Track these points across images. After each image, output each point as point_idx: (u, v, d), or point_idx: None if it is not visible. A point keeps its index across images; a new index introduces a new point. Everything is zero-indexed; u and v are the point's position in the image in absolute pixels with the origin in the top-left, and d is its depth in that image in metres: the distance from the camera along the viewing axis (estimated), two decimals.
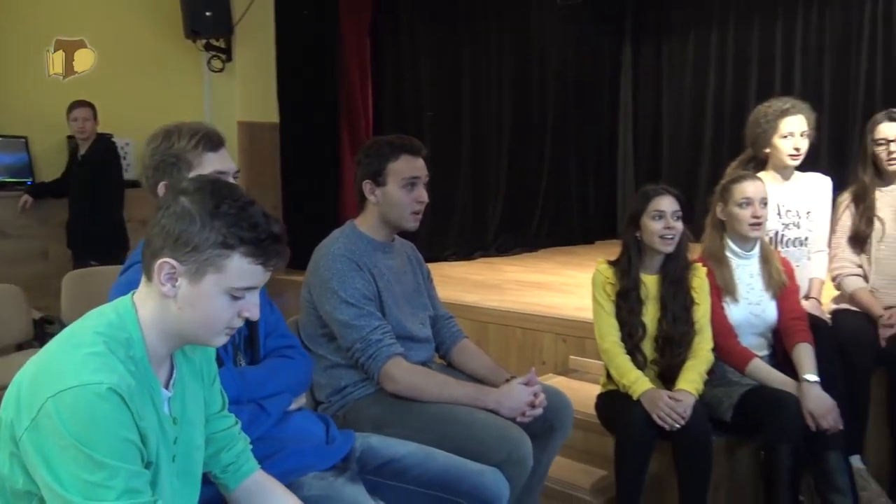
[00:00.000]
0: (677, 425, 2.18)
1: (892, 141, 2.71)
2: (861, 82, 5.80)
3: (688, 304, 2.41)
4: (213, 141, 1.68)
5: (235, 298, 1.19)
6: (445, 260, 5.58)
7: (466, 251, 5.78)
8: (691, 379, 2.31)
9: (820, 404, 2.28)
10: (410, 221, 2.14)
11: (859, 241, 2.78)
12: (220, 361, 1.62)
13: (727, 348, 2.46)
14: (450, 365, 2.29)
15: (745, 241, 2.55)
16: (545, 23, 6.43)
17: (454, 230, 5.83)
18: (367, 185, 2.12)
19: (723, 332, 2.47)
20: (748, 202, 2.49)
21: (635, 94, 7.14)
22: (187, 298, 1.17)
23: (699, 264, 2.49)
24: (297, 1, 4.91)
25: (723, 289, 2.52)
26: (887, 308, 2.65)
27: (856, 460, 2.47)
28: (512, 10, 6.15)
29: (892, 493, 2.44)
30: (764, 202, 2.51)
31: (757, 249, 2.57)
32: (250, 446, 1.48)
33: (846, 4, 5.87)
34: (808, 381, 2.34)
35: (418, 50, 5.59)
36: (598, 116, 7.01)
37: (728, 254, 2.56)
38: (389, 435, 1.89)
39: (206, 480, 1.43)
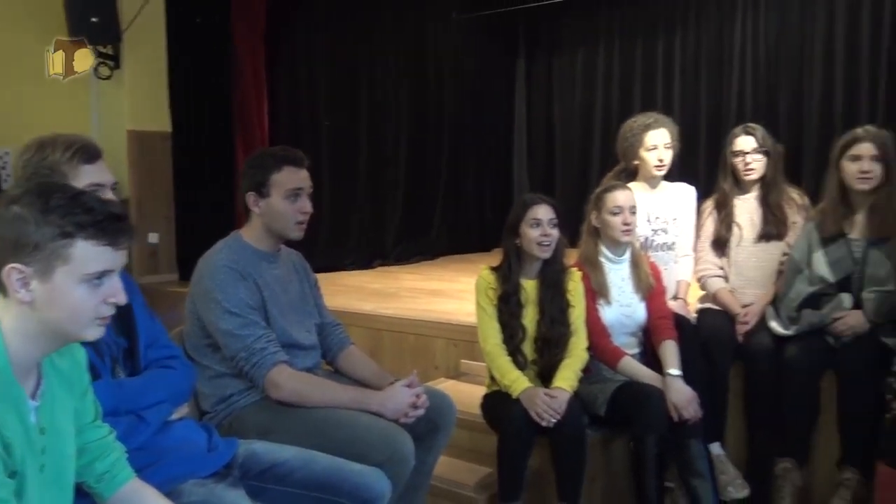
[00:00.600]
0: (553, 420, 2.32)
1: (747, 153, 2.95)
2: (733, 97, 6.22)
3: (564, 306, 2.56)
4: (89, 153, 1.69)
5: (95, 286, 1.21)
6: (344, 269, 5.62)
7: (365, 260, 5.83)
8: (566, 377, 2.45)
9: (682, 396, 2.47)
10: (295, 231, 2.19)
11: (721, 245, 3.01)
12: (98, 373, 1.63)
13: (601, 347, 2.63)
14: (337, 371, 2.35)
15: (617, 247, 2.73)
16: (441, 34, 6.57)
17: (353, 239, 5.87)
18: (250, 197, 2.16)
19: (597, 332, 2.63)
20: (619, 210, 2.67)
21: (529, 106, 7.39)
22: (45, 298, 1.18)
23: (575, 269, 2.65)
24: (188, 8, 4.84)
25: (597, 292, 2.69)
26: (744, 306, 2.88)
27: (715, 447, 2.68)
28: (408, 21, 6.26)
29: (748, 476, 2.66)
30: (633, 210, 2.70)
31: (628, 254, 2.76)
32: (126, 456, 1.49)
33: (720, 25, 6.28)
34: (671, 375, 2.53)
35: (315, 59, 5.61)
36: (494, 126, 7.21)
37: (602, 259, 2.73)
38: (275, 441, 1.93)
39: (83, 492, 1.44)
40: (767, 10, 6.04)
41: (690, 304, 3.08)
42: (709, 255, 3.03)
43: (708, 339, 2.81)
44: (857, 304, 2.63)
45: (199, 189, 4.87)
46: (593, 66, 6.95)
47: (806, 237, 2.76)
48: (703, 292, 3.08)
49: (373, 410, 2.05)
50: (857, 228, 2.67)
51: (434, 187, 6.59)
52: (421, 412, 2.09)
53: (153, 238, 4.92)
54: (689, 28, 6.45)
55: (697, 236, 3.08)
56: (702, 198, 3.14)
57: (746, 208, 2.98)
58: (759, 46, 6.10)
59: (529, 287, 2.58)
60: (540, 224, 2.50)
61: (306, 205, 2.17)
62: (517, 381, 2.43)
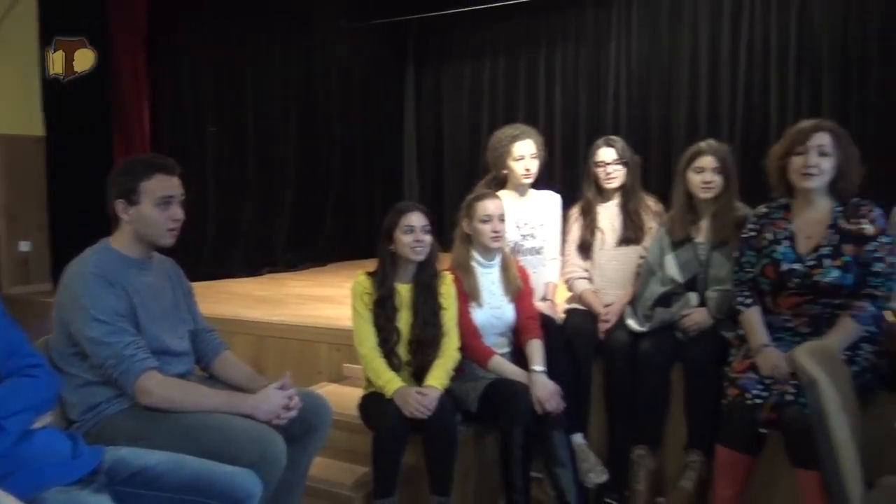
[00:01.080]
0: (424, 416, 2.43)
1: (608, 164, 3.17)
2: (609, 110, 6.58)
3: (437, 309, 2.68)
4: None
5: None
6: (231, 276, 5.56)
7: (253, 267, 5.79)
8: (438, 376, 2.58)
9: (545, 391, 2.64)
10: (166, 238, 2.20)
11: (585, 248, 3.22)
12: None
13: (472, 347, 2.77)
14: (211, 376, 2.38)
15: (488, 253, 2.88)
16: (330, 41, 6.61)
17: (240, 246, 5.82)
18: (119, 205, 2.16)
19: (468, 333, 2.78)
20: (489, 219, 2.82)
21: (419, 114, 7.54)
22: None
23: (447, 273, 2.78)
24: (61, 7, 4.69)
25: (469, 295, 2.83)
26: (606, 306, 3.10)
27: (578, 437, 2.86)
28: (296, 27, 6.26)
29: (608, 463, 2.86)
30: (502, 218, 2.86)
31: (498, 259, 2.91)
32: None
33: (597, 42, 6.62)
34: (535, 371, 2.70)
35: (199, 64, 5.53)
36: (384, 134, 7.31)
37: (473, 263, 2.88)
38: (146, 447, 1.95)
39: None
40: (639, 30, 6.44)
41: (558, 304, 3.27)
42: (575, 259, 3.24)
43: (572, 336, 3.00)
44: (703, 302, 2.88)
45: (75, 196, 4.71)
46: (480, 77, 7.18)
47: (658, 241, 3.00)
48: (569, 293, 3.29)
49: (245, 413, 2.09)
50: (702, 233, 2.93)
51: (324, 194, 6.62)
52: (294, 413, 2.15)
53: (24, 246, 4.73)
54: (569, 44, 6.77)
55: (564, 241, 3.28)
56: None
57: (608, 215, 3.20)
58: (632, 63, 6.49)
59: (404, 291, 2.69)
60: (413, 230, 2.61)
61: (178, 212, 2.20)
62: (391, 382, 2.53)
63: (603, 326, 3.02)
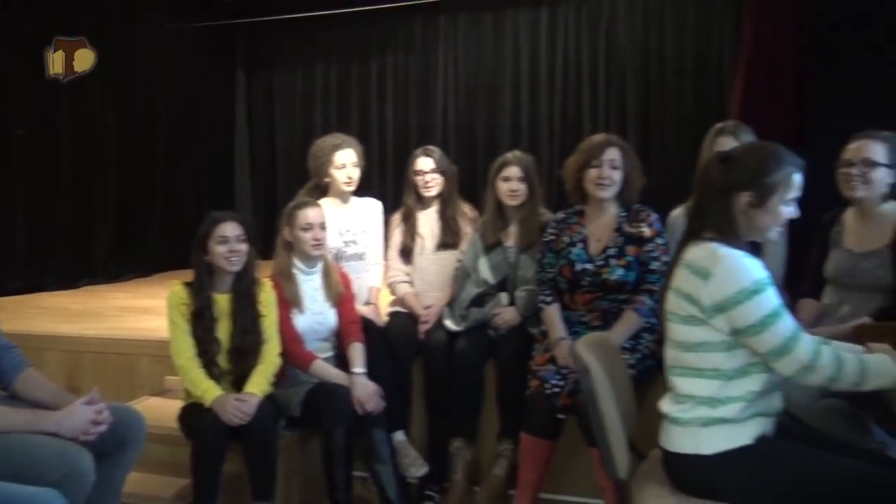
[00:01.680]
0: (243, 422, 2.47)
1: (426, 172, 3.34)
2: (438, 119, 6.82)
3: (256, 316, 2.72)
4: None
5: None
6: (45, 289, 5.23)
7: (70, 279, 5.47)
8: (257, 382, 2.62)
9: (365, 391, 2.75)
10: None
11: (406, 253, 3.37)
12: None
13: (294, 353, 2.83)
14: (13, 395, 2.28)
15: (309, 260, 2.95)
16: (154, 43, 6.36)
17: (55, 257, 5.47)
18: None
19: (290, 339, 2.83)
20: (309, 227, 2.89)
21: (250, 120, 7.41)
22: None
23: (266, 280, 2.82)
24: None
25: (291, 302, 2.88)
26: (427, 307, 3.26)
27: (399, 435, 2.99)
28: (116, 27, 5.96)
29: (428, 457, 3.01)
30: (323, 226, 2.94)
31: (319, 266, 2.99)
32: None
33: (426, 53, 6.84)
34: (356, 373, 2.81)
35: (6, 64, 5.14)
36: (214, 140, 7.13)
37: (295, 271, 2.94)
38: None
39: None
40: (465, 43, 6.72)
41: (382, 307, 3.40)
42: (397, 263, 3.38)
43: (394, 338, 3.14)
44: (512, 302, 3.11)
45: None
46: (312, 84, 7.18)
47: (473, 246, 3.21)
48: (392, 297, 3.42)
49: (49, 431, 2.03)
50: (511, 238, 3.16)
51: (149, 201, 6.35)
52: (103, 428, 2.12)
53: None
54: (399, 53, 6.94)
55: (386, 246, 3.42)
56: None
57: (427, 221, 3.37)
58: (460, 75, 6.77)
59: (222, 301, 2.70)
60: (227, 241, 2.64)
61: None
62: (209, 391, 2.54)
63: (423, 328, 3.18)
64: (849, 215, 2.70)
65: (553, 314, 2.85)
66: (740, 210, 1.86)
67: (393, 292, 3.40)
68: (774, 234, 1.94)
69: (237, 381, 2.69)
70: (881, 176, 2.52)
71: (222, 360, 2.68)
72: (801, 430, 2.20)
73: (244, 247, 2.67)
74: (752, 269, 1.78)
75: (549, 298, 2.88)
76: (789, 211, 1.88)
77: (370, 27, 6.94)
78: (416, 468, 2.92)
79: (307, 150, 3.44)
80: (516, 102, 6.62)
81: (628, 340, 2.72)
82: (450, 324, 3.14)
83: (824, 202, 2.72)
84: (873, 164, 2.52)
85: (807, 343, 1.77)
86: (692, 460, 1.86)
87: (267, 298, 2.77)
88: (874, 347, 2.25)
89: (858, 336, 2.38)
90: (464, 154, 6.40)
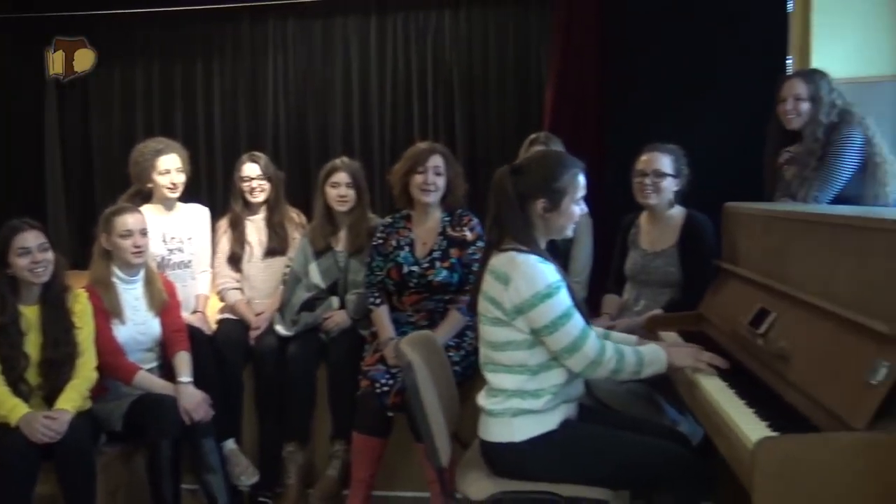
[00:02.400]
0: (54, 441, 2.34)
1: (253, 178, 3.32)
2: (269, 124, 6.72)
3: (69, 327, 2.58)
4: None
5: None
6: None
7: None
8: (70, 398, 2.50)
9: (191, 400, 2.69)
10: None
11: (235, 261, 3.33)
12: None
13: (114, 365, 2.72)
14: None
15: (129, 268, 2.84)
16: None
17: None
18: None
19: (110, 351, 2.72)
20: (129, 233, 2.79)
21: (62, 120, 6.89)
22: None
23: (81, 290, 2.69)
24: None
25: (110, 312, 2.77)
26: (258, 314, 3.25)
27: (229, 443, 2.97)
28: None
29: (261, 463, 3.00)
30: (144, 232, 2.84)
31: (141, 274, 2.89)
32: None
33: (254, 57, 6.71)
34: (182, 382, 2.74)
35: None
36: (20, 145, 6.58)
37: (114, 279, 2.82)
38: None
39: None
40: (295, 48, 6.68)
41: (211, 315, 3.33)
42: (225, 270, 3.33)
43: (223, 345, 3.09)
44: (343, 305, 3.17)
45: None
46: (132, 84, 6.82)
47: (302, 251, 3.23)
48: (221, 304, 3.37)
49: None
50: (341, 242, 3.22)
51: None
52: None
53: None
54: (227, 56, 6.77)
55: (214, 253, 3.36)
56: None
57: (255, 228, 3.36)
58: (290, 80, 6.72)
59: (30, 313, 2.55)
60: (29, 252, 2.49)
61: None
62: (14, 409, 2.39)
63: (254, 334, 3.16)
64: (643, 218, 3.02)
65: (382, 315, 2.94)
66: (537, 215, 2.04)
67: (223, 300, 3.35)
68: (570, 232, 2.14)
69: (49, 396, 2.53)
70: (668, 184, 2.85)
71: (32, 376, 2.52)
72: (603, 412, 2.45)
73: (49, 255, 2.53)
74: (546, 273, 1.96)
75: (377, 300, 2.97)
76: (580, 209, 2.09)
77: (194, 28, 6.71)
78: (248, 476, 2.90)
79: (127, 153, 3.32)
80: (347, 110, 6.66)
81: (453, 339, 2.87)
82: (281, 329, 3.15)
83: (626, 206, 3.04)
84: (662, 175, 2.83)
85: (594, 340, 1.97)
86: (506, 447, 2.01)
87: (82, 309, 2.64)
88: (664, 336, 2.55)
89: (651, 327, 2.69)
90: (295, 160, 6.36)
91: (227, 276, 3.34)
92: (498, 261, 2.01)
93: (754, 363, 2.00)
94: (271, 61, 6.69)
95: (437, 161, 2.94)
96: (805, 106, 2.83)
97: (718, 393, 1.88)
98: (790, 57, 3.46)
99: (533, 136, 3.24)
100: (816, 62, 3.15)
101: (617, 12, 3.69)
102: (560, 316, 1.93)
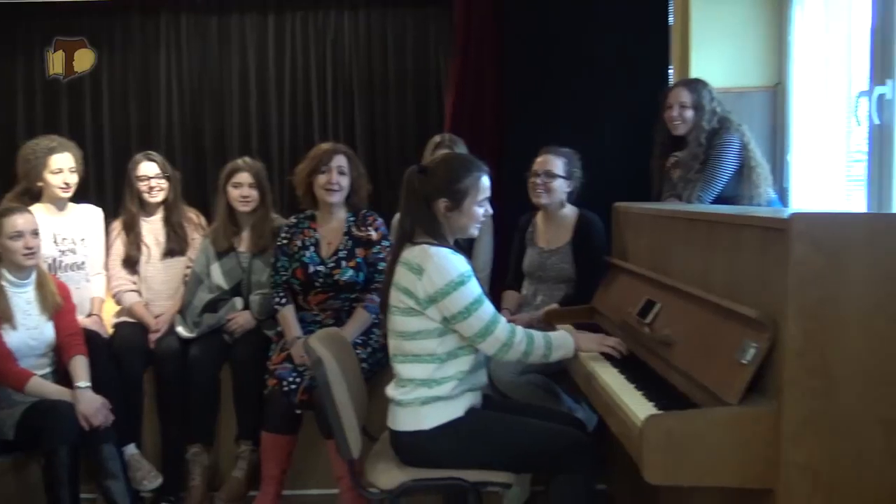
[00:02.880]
0: None
1: (151, 178, 3.25)
2: (162, 123, 6.52)
3: None
4: None
5: None
6: None
7: None
8: None
9: (90, 406, 2.62)
10: None
11: (132, 263, 3.25)
12: None
13: (5, 372, 2.62)
14: None
15: (20, 271, 2.74)
16: None
17: None
18: None
19: (1, 358, 2.61)
20: (19, 235, 2.68)
21: None
22: None
23: None
24: None
25: (0, 317, 2.65)
26: (157, 316, 3.18)
27: (130, 448, 2.90)
28: None
29: (164, 466, 2.95)
30: (35, 233, 2.74)
31: (33, 277, 2.78)
32: None
33: (146, 55, 6.49)
34: (80, 387, 2.67)
35: None
36: None
37: (4, 283, 2.70)
38: None
39: None
40: (189, 44, 6.51)
41: (107, 319, 3.24)
42: (121, 273, 3.25)
43: (121, 349, 3.02)
44: (247, 306, 3.16)
45: None
46: (11, 77, 6.45)
47: (204, 252, 3.20)
48: (118, 307, 3.28)
49: None
50: (244, 243, 3.21)
51: None
52: None
53: None
54: (116, 50, 6.52)
55: (108, 255, 3.27)
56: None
57: (152, 228, 3.29)
58: (184, 77, 6.54)
59: None
60: None
61: None
62: None
63: (153, 337, 3.10)
64: (539, 218, 3.18)
65: (288, 315, 2.96)
66: (441, 214, 2.13)
67: (119, 303, 3.26)
68: (475, 231, 2.24)
69: None
70: (560, 185, 3.01)
71: None
72: (505, 401, 2.57)
73: None
74: (457, 263, 2.06)
75: (283, 300, 2.99)
76: (483, 211, 2.19)
77: (80, 19, 6.43)
78: (150, 480, 2.85)
79: (8, 152, 3.17)
80: (245, 109, 6.55)
81: (360, 336, 2.92)
82: (182, 330, 3.10)
83: (524, 206, 3.19)
84: (553, 176, 2.99)
85: (504, 324, 2.09)
86: (414, 435, 2.09)
87: None
88: (560, 328, 2.70)
89: (548, 320, 2.84)
90: (191, 160, 6.20)
91: (123, 278, 3.25)
92: (411, 253, 2.09)
93: (642, 350, 2.17)
94: (164, 58, 6.50)
95: (340, 161, 2.99)
96: (689, 113, 3.05)
97: (611, 379, 2.03)
98: (671, 67, 3.72)
99: (437, 138, 3.34)
100: (695, 72, 3.40)
101: (514, 23, 3.85)
102: (472, 302, 2.03)
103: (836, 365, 1.51)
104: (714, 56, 3.48)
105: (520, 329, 2.13)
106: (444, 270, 2.03)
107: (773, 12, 3.48)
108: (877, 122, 2.64)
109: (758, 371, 1.58)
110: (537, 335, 2.15)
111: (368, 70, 6.45)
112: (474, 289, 2.06)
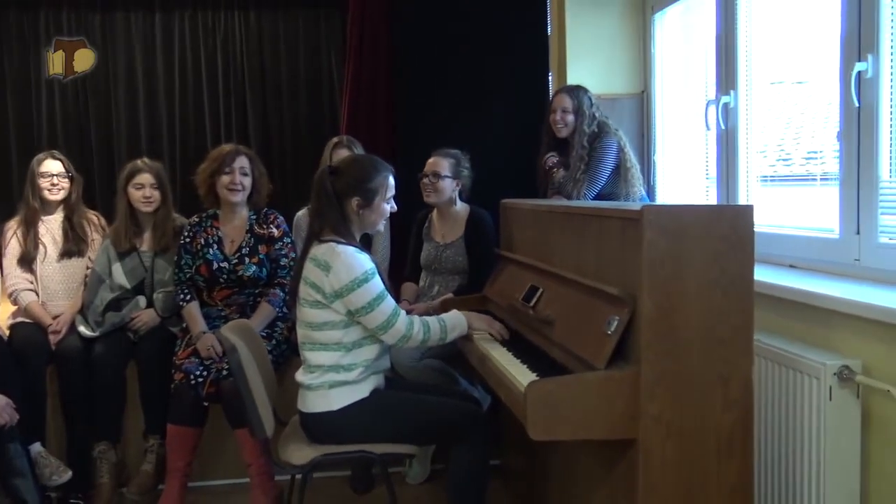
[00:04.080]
0: None
1: (55, 175, 3.25)
2: (45, 122, 6.31)
3: None
4: None
5: None
6: None
7: None
8: None
9: None
10: None
11: (28, 261, 3.25)
12: None
13: None
14: None
15: None
16: None
17: None
18: None
19: None
20: None
21: None
22: None
23: None
24: None
25: None
26: (55, 317, 3.19)
27: (36, 446, 2.90)
28: None
29: (71, 464, 2.98)
30: None
31: None
32: None
33: (27, 52, 6.27)
34: None
35: None
36: None
37: None
38: None
39: None
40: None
41: (2, 319, 3.22)
42: (16, 272, 3.24)
43: (21, 348, 3.02)
44: (151, 304, 3.22)
45: None
46: None
47: (105, 252, 3.24)
48: (14, 307, 3.26)
49: None
50: (146, 243, 3.27)
51: None
52: None
53: None
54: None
55: (3, 254, 3.24)
56: None
57: (50, 228, 3.29)
58: (67, 77, 6.35)
59: None
60: None
61: None
62: None
63: (54, 337, 3.12)
64: (435, 214, 3.41)
65: (193, 311, 3.06)
66: (353, 211, 2.32)
67: (15, 302, 3.25)
68: (381, 227, 2.44)
69: None
70: (447, 185, 3.25)
71: None
72: (405, 382, 2.79)
73: None
74: (363, 261, 2.25)
75: (187, 297, 3.08)
76: (390, 207, 2.40)
77: None
78: (59, 475, 2.88)
79: None
80: (133, 111, 6.44)
81: (264, 329, 3.06)
82: (84, 330, 3.14)
83: (418, 204, 3.40)
84: (440, 176, 3.23)
85: (403, 317, 2.30)
86: (323, 416, 2.27)
87: None
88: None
89: (445, 308, 3.06)
90: (78, 161, 6.03)
91: (19, 277, 3.24)
92: (319, 250, 2.26)
93: (526, 330, 2.44)
94: (43, 56, 6.30)
95: (243, 162, 3.11)
96: (570, 118, 3.36)
97: (501, 356, 2.28)
98: (550, 73, 4.03)
99: (336, 139, 3.51)
100: (572, 79, 3.72)
101: (405, 27, 4.04)
102: (375, 298, 2.22)
103: (681, 331, 1.81)
104: (588, 64, 3.82)
105: (417, 319, 2.34)
106: (350, 268, 2.21)
107: (637, 24, 3.86)
108: (723, 127, 3.03)
109: (622, 340, 1.86)
110: (433, 321, 2.37)
111: (260, 72, 6.49)
112: (377, 285, 2.25)
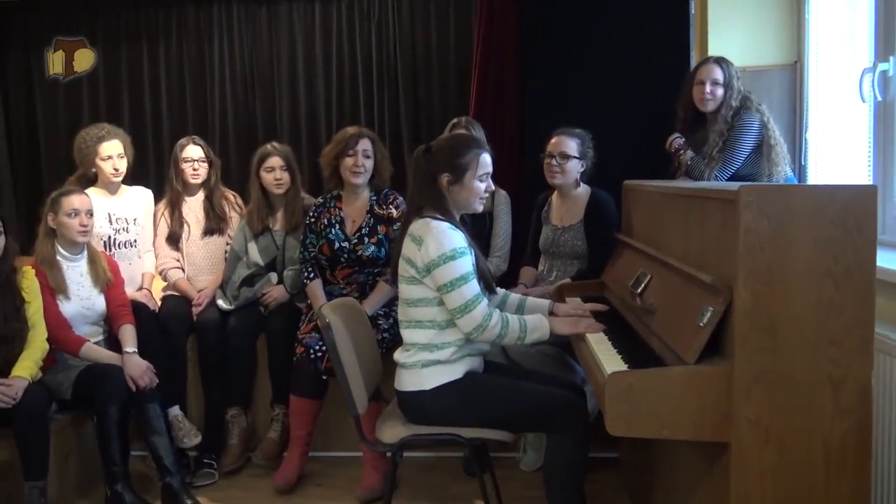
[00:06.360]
0: (9, 405, 2.54)
1: (196, 160, 3.50)
2: (217, 109, 6.83)
3: (18, 304, 2.77)
4: None
5: None
6: None
7: None
8: (25, 366, 2.69)
9: (137, 369, 2.88)
10: None
11: (175, 240, 3.53)
12: None
13: (62, 339, 2.90)
14: None
15: (73, 247, 3.02)
16: None
17: None
18: None
19: (57, 325, 2.90)
20: (75, 213, 2.97)
21: (7, 107, 6.92)
22: None
23: (28, 267, 2.87)
24: None
25: (55, 289, 2.94)
26: (199, 291, 3.45)
27: (174, 409, 3.17)
28: None
29: (206, 427, 3.22)
30: (90, 213, 3.01)
31: (85, 253, 3.07)
32: None
33: (200, 41, 6.81)
34: (127, 352, 2.93)
35: None
36: None
37: (59, 258, 2.99)
38: None
39: None
40: (241, 34, 6.80)
41: (156, 293, 3.53)
42: (166, 250, 3.53)
43: (167, 318, 3.30)
44: (281, 280, 3.40)
45: None
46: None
47: (241, 231, 3.45)
48: (165, 282, 3.56)
49: None
50: (278, 222, 3.44)
51: None
52: None
53: None
54: (172, 41, 6.85)
55: (155, 234, 3.55)
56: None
57: (193, 208, 3.55)
58: (236, 64, 6.84)
59: None
60: None
61: None
62: None
63: (196, 309, 3.37)
64: (554, 197, 3.30)
65: (316, 288, 3.18)
66: (444, 188, 2.29)
67: (164, 278, 3.55)
68: (478, 206, 2.36)
69: (2, 368, 2.72)
70: (573, 166, 3.12)
71: None
72: (508, 367, 2.72)
73: (1, 240, 2.71)
74: (453, 238, 2.21)
75: (311, 275, 3.21)
76: (484, 186, 2.33)
77: (139, 13, 6.77)
78: (191, 438, 3.12)
79: (73, 138, 3.47)
80: (294, 95, 6.80)
81: (382, 308, 3.12)
82: (222, 303, 3.37)
83: (542, 186, 3.31)
84: (567, 157, 3.11)
85: (483, 307, 2.21)
86: (417, 395, 2.28)
87: (30, 286, 2.82)
88: (569, 300, 2.84)
89: (560, 294, 2.97)
90: (244, 145, 6.47)
91: (168, 256, 3.53)
92: (415, 226, 2.26)
93: (632, 317, 2.30)
94: (217, 47, 6.80)
95: (365, 145, 3.18)
96: (720, 90, 3.08)
97: (597, 343, 2.17)
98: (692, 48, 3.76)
99: (455, 120, 3.50)
100: (713, 51, 3.43)
101: (533, 5, 3.94)
102: (458, 278, 2.18)
103: (783, 326, 1.61)
104: (732, 34, 3.51)
105: (498, 313, 2.24)
106: (440, 243, 2.19)
107: None
108: (879, 98, 2.67)
109: (717, 333, 1.69)
110: (513, 320, 2.26)
111: (412, 54, 6.62)
112: (464, 266, 2.19)
